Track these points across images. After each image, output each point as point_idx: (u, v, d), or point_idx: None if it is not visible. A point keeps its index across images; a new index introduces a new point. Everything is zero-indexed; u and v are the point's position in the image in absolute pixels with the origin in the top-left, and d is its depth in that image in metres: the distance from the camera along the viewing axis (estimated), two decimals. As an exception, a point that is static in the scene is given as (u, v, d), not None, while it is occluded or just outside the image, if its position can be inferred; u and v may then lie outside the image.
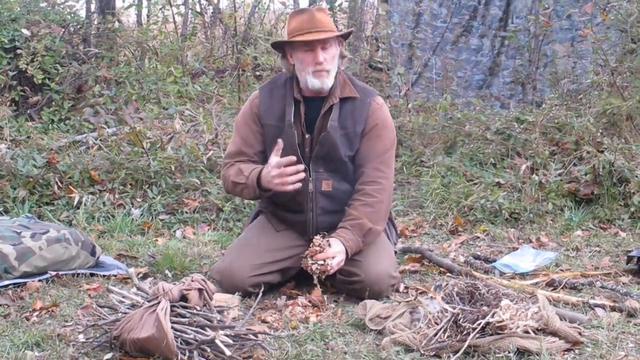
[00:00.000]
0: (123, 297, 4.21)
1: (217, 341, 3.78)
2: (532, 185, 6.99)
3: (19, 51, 9.48)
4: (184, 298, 4.04)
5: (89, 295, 4.93)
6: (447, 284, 4.31)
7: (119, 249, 5.96)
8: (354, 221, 4.83)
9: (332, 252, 4.70)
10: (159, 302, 3.92)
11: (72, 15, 10.76)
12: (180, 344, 3.82)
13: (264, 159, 4.94)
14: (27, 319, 4.49)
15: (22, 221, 5.56)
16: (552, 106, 8.25)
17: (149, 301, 3.99)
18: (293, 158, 4.73)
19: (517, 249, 5.92)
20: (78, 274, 5.23)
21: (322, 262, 4.67)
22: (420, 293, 4.68)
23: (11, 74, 9.43)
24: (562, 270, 5.48)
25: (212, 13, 12.79)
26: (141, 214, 6.77)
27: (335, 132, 4.84)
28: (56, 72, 9.64)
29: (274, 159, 4.73)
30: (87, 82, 9.83)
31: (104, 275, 5.29)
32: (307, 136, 4.89)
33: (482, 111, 8.68)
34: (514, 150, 7.84)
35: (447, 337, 3.96)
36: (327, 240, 4.73)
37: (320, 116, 4.88)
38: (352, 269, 4.83)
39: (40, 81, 9.48)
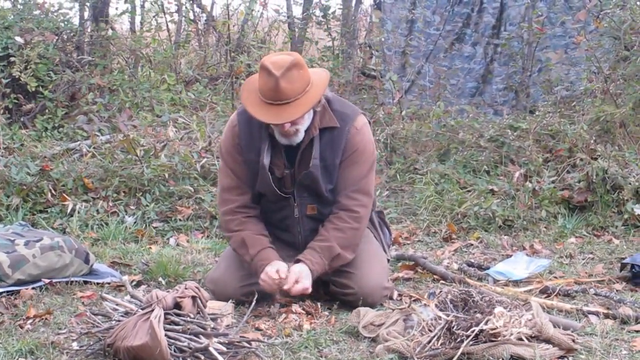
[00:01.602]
0: (117, 304, 4.20)
1: (210, 349, 3.79)
2: (525, 192, 6.99)
3: (12, 59, 9.47)
4: (177, 306, 4.03)
5: (83, 303, 4.93)
6: (440, 292, 4.30)
7: (113, 257, 5.96)
8: (324, 243, 4.77)
9: (292, 280, 4.65)
10: (152, 310, 3.92)
11: (66, 22, 10.73)
12: (174, 351, 3.82)
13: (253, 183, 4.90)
14: (21, 327, 4.49)
15: (15, 229, 5.57)
16: (545, 113, 8.26)
17: (142, 309, 3.99)
18: (283, 276, 4.64)
19: (510, 256, 5.92)
20: (72, 281, 5.23)
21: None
22: (414, 300, 4.68)
23: (4, 81, 9.41)
24: (555, 277, 5.49)
25: (205, 21, 12.77)
26: (135, 222, 6.77)
27: (317, 170, 4.74)
28: (50, 79, 9.62)
29: (273, 270, 4.67)
30: (80, 89, 9.82)
31: (97, 283, 5.29)
32: (286, 172, 4.81)
33: (475, 118, 8.68)
34: (507, 157, 7.85)
35: (441, 344, 3.96)
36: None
37: (301, 150, 4.76)
38: (345, 281, 4.83)
39: (33, 89, 9.46)
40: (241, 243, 4.83)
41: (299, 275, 4.65)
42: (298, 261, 4.74)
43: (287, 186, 4.83)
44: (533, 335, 4.01)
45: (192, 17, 12.75)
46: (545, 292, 5.06)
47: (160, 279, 5.35)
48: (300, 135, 4.70)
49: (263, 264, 4.72)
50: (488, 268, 5.62)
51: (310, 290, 4.69)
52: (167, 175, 7.25)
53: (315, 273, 4.71)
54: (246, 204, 4.90)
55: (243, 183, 4.89)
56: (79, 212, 6.79)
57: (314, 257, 4.73)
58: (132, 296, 4.26)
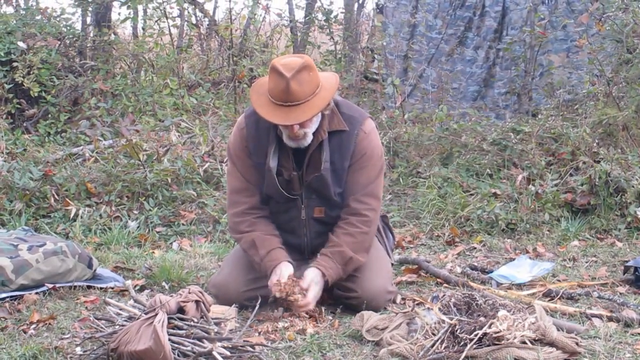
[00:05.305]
0: (120, 309, 4.20)
1: (214, 353, 3.78)
2: (528, 195, 6.99)
3: (15, 64, 9.51)
4: (181, 310, 4.03)
5: (86, 307, 4.93)
6: (444, 295, 4.31)
7: (116, 262, 5.96)
8: (335, 249, 4.75)
9: (305, 287, 4.64)
10: (156, 315, 3.92)
11: (68, 28, 10.76)
12: (178, 356, 3.82)
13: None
14: (25, 332, 4.49)
15: (19, 234, 5.56)
16: (548, 116, 8.26)
17: (146, 313, 3.99)
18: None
19: (513, 259, 5.92)
20: (75, 286, 5.23)
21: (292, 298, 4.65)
22: (418, 304, 4.67)
23: (7, 86, 9.45)
24: (559, 280, 5.48)
25: (207, 25, 12.78)
26: (138, 226, 6.77)
27: (327, 173, 4.73)
28: (52, 84, 9.65)
29: (278, 275, 4.66)
30: (83, 94, 9.85)
31: (101, 288, 5.29)
32: (294, 174, 4.78)
33: (477, 122, 8.68)
34: (510, 160, 7.85)
35: (445, 348, 3.96)
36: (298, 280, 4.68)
37: (310, 153, 4.74)
38: (349, 285, 4.82)
39: (36, 94, 9.49)
40: (251, 244, 4.81)
41: (310, 283, 4.64)
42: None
43: (295, 188, 4.82)
44: (537, 339, 4.01)
45: (194, 22, 12.76)
46: (548, 295, 5.06)
47: (163, 283, 5.35)
48: (309, 139, 4.68)
49: (272, 264, 4.71)
50: (491, 271, 5.62)
51: (312, 305, 4.66)
52: (170, 180, 7.26)
53: (330, 278, 4.70)
54: (255, 206, 4.89)
55: (252, 185, 4.87)
56: (82, 217, 6.80)
57: (327, 263, 4.72)
58: (135, 301, 4.26)
